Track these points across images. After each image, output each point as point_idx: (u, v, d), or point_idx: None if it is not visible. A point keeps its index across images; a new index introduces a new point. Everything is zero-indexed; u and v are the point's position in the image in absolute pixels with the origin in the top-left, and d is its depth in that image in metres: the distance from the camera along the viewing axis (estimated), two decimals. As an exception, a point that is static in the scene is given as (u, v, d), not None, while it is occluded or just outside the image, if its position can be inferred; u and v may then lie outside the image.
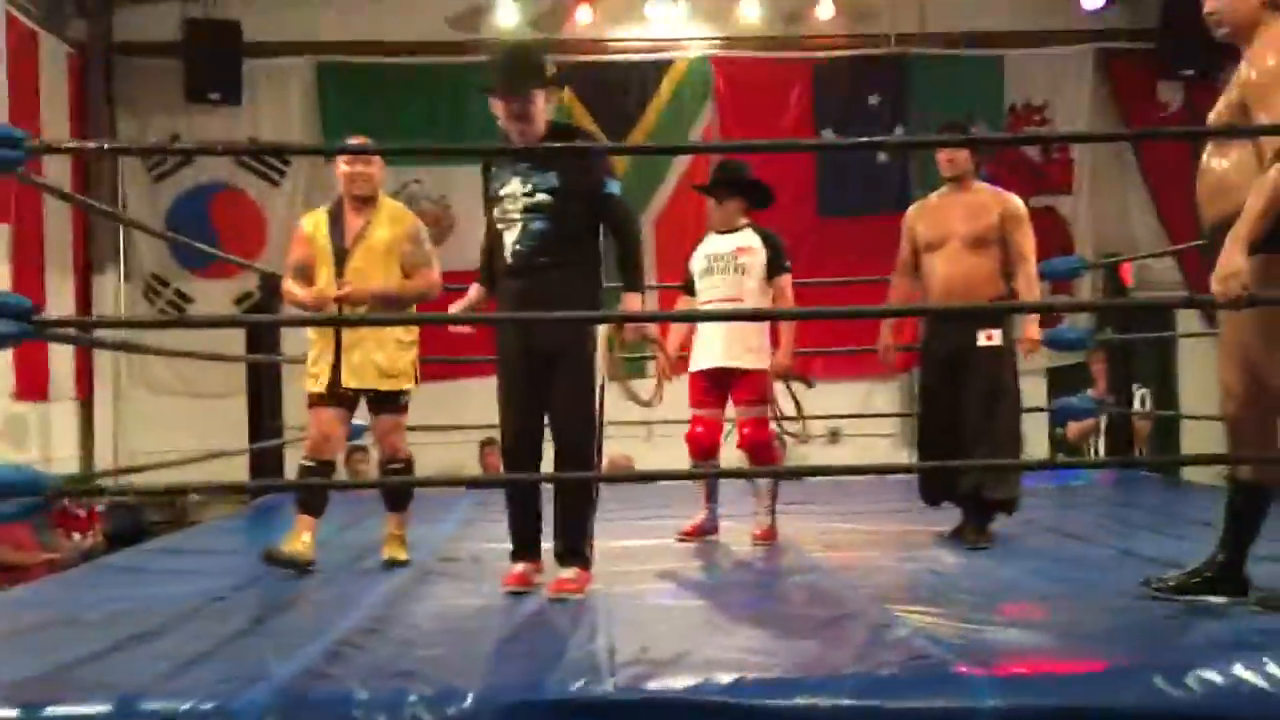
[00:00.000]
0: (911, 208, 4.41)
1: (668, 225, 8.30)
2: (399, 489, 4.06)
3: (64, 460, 7.58)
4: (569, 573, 3.40)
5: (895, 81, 8.57)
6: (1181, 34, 8.01)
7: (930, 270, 4.21)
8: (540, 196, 3.40)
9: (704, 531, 4.50)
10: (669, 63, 8.59)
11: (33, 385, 7.23)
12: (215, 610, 3.26)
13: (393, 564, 3.95)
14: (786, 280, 4.46)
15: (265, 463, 6.47)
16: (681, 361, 4.55)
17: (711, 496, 4.58)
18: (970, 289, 4.08)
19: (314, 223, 4.07)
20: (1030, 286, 4.13)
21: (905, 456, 8.53)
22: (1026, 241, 4.14)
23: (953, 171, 4.19)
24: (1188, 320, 8.26)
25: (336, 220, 4.01)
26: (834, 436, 8.41)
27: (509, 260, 3.41)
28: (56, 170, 7.71)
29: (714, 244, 4.50)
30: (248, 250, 8.24)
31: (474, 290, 3.60)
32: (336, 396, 3.97)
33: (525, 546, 3.51)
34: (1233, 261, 2.68)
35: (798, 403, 4.69)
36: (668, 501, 5.36)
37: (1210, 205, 2.85)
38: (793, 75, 8.58)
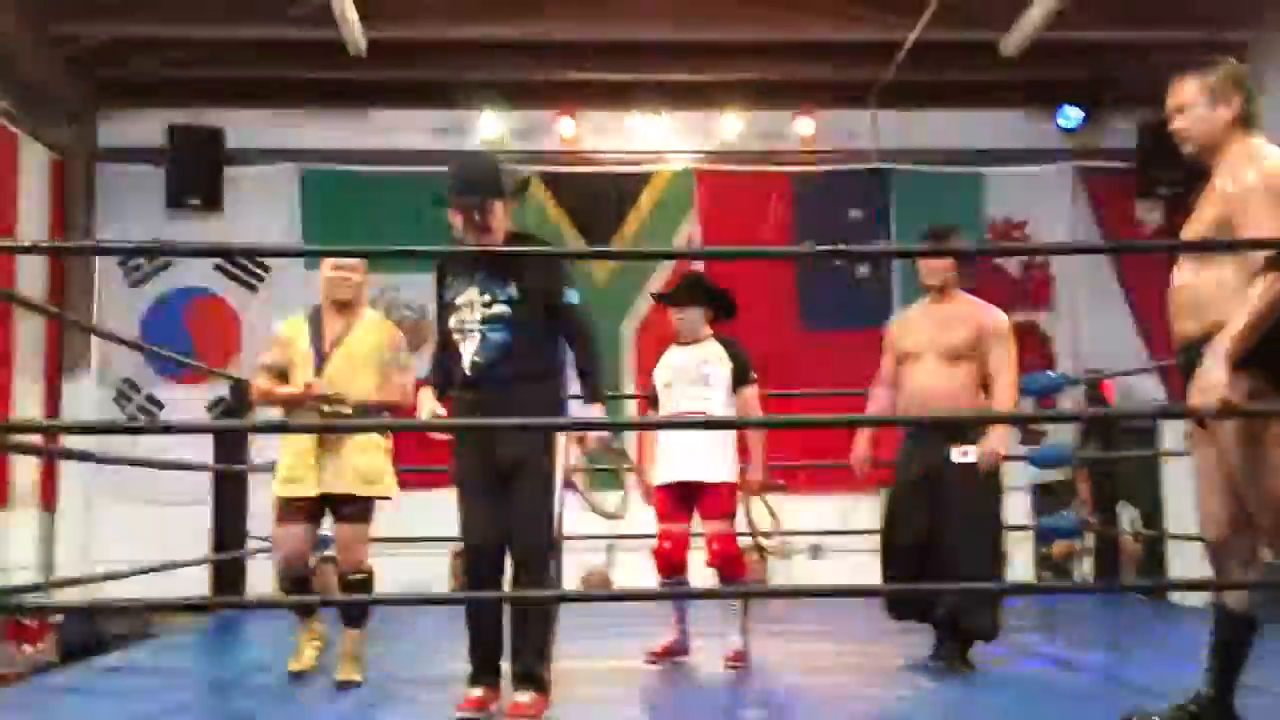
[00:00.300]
0: (894, 318, 4.37)
1: (649, 335, 8.30)
2: (355, 605, 3.95)
3: (23, 571, 7.38)
4: (525, 697, 3.28)
5: (875, 196, 8.67)
6: (1159, 154, 8.13)
7: (907, 382, 4.13)
8: (499, 307, 3.36)
9: (674, 653, 4.37)
10: (650, 174, 8.68)
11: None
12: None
13: (346, 685, 3.81)
14: (753, 392, 4.41)
15: (228, 573, 6.33)
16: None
17: (682, 616, 4.45)
18: (946, 402, 4.00)
19: (293, 327, 4.10)
20: (1004, 400, 4.03)
21: (889, 574, 8.37)
22: (1005, 355, 4.05)
23: (934, 280, 4.12)
24: (1174, 438, 8.32)
25: (316, 325, 4.04)
26: (815, 551, 8.30)
27: (467, 372, 3.36)
28: (32, 273, 7.70)
29: (677, 357, 4.46)
30: (221, 356, 8.21)
31: (429, 398, 3.44)
32: (305, 508, 3.96)
33: (484, 669, 3.37)
34: (1214, 374, 2.63)
35: (774, 516, 4.59)
36: (638, 619, 5.23)
37: (1185, 321, 2.84)
38: (773, 188, 8.69)
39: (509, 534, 3.33)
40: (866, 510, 8.34)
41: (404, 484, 4.26)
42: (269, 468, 6.16)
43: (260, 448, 7.13)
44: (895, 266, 8.61)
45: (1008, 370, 4.05)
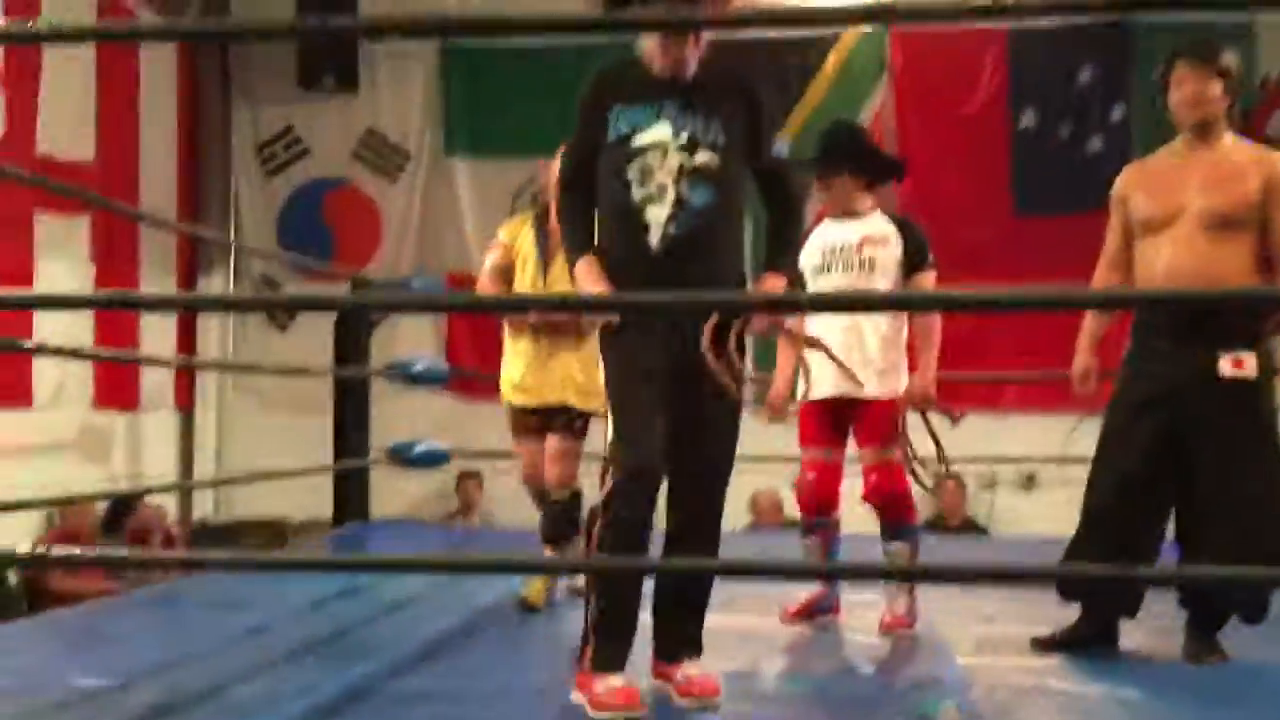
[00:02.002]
0: (1126, 170, 3.31)
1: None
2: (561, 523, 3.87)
3: (159, 476, 7.28)
4: (695, 670, 2.73)
5: (1113, 53, 7.37)
6: None
7: (1150, 260, 3.10)
8: (704, 155, 2.65)
9: (817, 611, 3.65)
10: (837, 34, 7.65)
11: (119, 392, 6.91)
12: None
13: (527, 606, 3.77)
14: (929, 279, 3.61)
15: (350, 484, 5.99)
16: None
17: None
18: (1211, 286, 2.95)
19: (514, 231, 4.03)
20: None
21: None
22: None
23: (1197, 115, 3.07)
24: None
25: (541, 228, 3.93)
26: (1029, 482, 7.34)
27: (653, 246, 2.64)
28: (162, 160, 7.46)
29: (832, 233, 3.68)
30: (362, 251, 7.85)
31: (594, 275, 2.67)
32: (537, 420, 3.95)
33: (623, 645, 2.69)
34: None
35: (938, 441, 3.73)
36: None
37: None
38: (984, 47, 7.50)
39: (680, 457, 2.67)
40: (1091, 431, 7.30)
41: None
42: (392, 373, 5.85)
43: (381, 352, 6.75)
44: (1137, 138, 7.33)
45: None
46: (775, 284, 2.75)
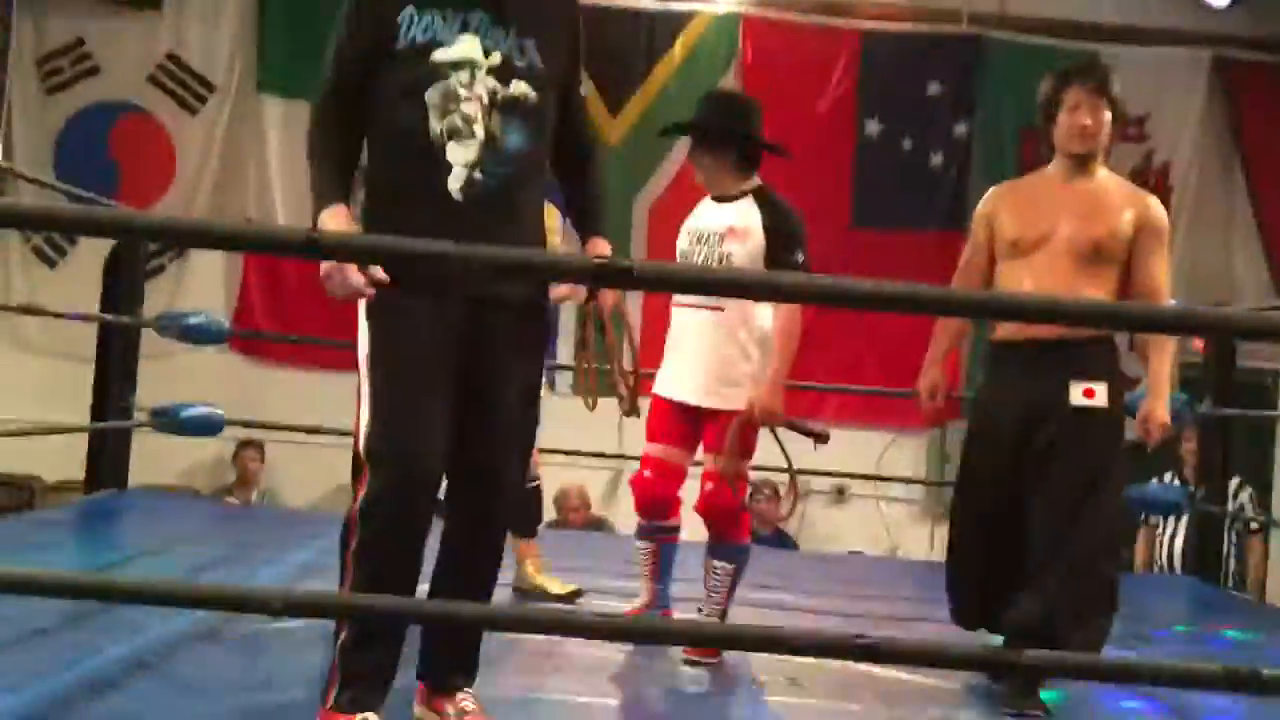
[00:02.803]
0: (993, 191, 3.21)
1: (667, 214, 7.10)
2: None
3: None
4: (469, 702, 2.33)
5: (963, 68, 7.34)
6: None
7: (1012, 283, 3.00)
8: (520, 85, 2.19)
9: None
10: (688, 18, 7.38)
11: None
12: None
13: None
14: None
15: (109, 446, 5.36)
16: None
17: (662, 570, 3.45)
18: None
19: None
20: (1162, 337, 2.97)
21: (927, 528, 7.33)
22: (1161, 266, 2.97)
23: (1087, 145, 2.97)
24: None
25: None
26: (840, 495, 7.27)
27: (455, 192, 2.17)
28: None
29: (705, 217, 3.35)
30: (151, 188, 7.14)
31: (338, 221, 2.15)
32: None
33: (382, 680, 2.25)
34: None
35: (787, 457, 3.49)
36: (607, 563, 4.21)
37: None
38: (837, 47, 7.37)
39: (473, 453, 2.23)
40: (906, 450, 7.30)
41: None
42: (173, 324, 5.26)
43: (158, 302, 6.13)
44: (977, 157, 7.33)
45: (1164, 287, 2.96)
46: (602, 248, 2.34)
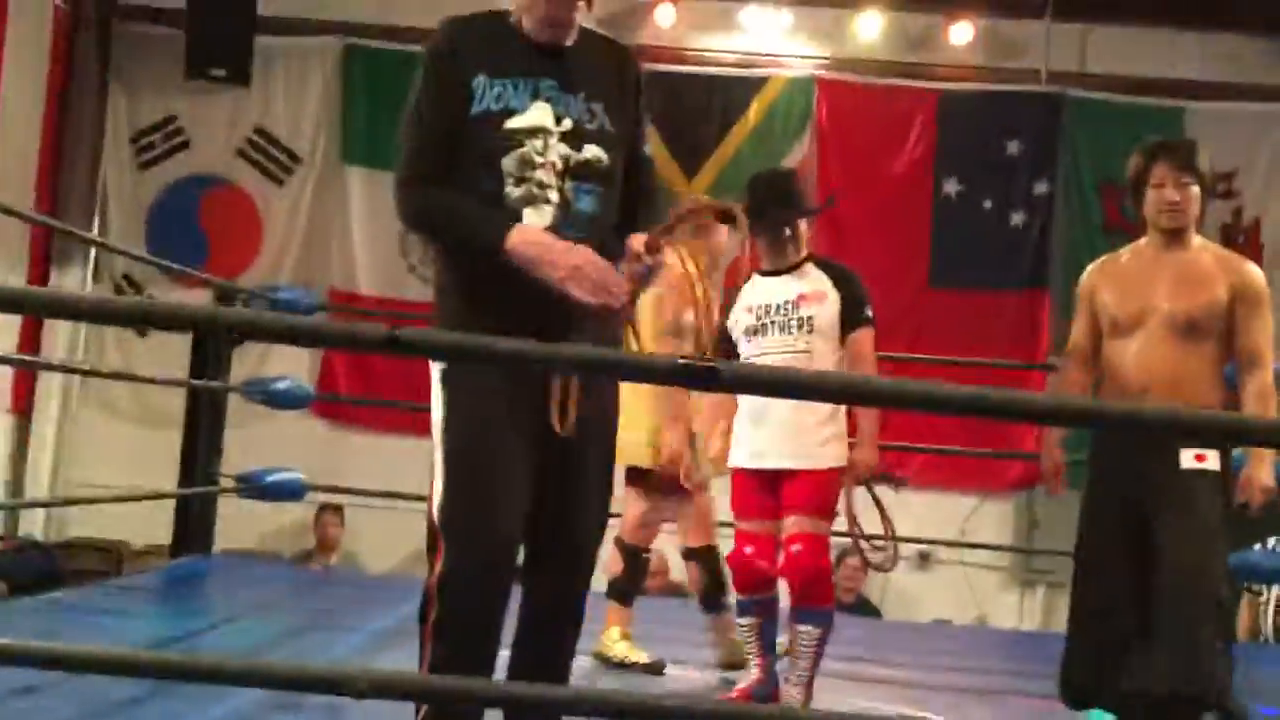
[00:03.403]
0: (1092, 268, 3.28)
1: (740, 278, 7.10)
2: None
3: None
4: None
5: (1042, 127, 7.25)
6: None
7: (1117, 359, 3.09)
8: (591, 149, 2.18)
9: (758, 700, 3.31)
10: (763, 81, 7.40)
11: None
12: None
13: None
14: (868, 336, 3.34)
15: (195, 511, 5.44)
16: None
17: (767, 645, 3.41)
18: (1177, 390, 2.94)
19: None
20: (1266, 399, 2.98)
21: (1016, 595, 7.13)
22: (1264, 331, 3.01)
23: (1177, 222, 3.05)
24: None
25: None
26: (924, 560, 7.10)
27: None
28: (22, 142, 6.84)
29: (764, 289, 3.40)
30: (239, 258, 7.31)
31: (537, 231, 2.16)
32: None
33: None
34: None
35: (885, 514, 3.46)
36: (692, 632, 4.14)
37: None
38: (914, 107, 7.32)
39: (554, 521, 2.20)
40: (992, 514, 7.13)
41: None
42: (258, 390, 5.35)
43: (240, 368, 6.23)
44: (1059, 215, 7.22)
45: (1268, 350, 3.00)
46: (638, 243, 2.17)
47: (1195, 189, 3.04)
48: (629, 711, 1.79)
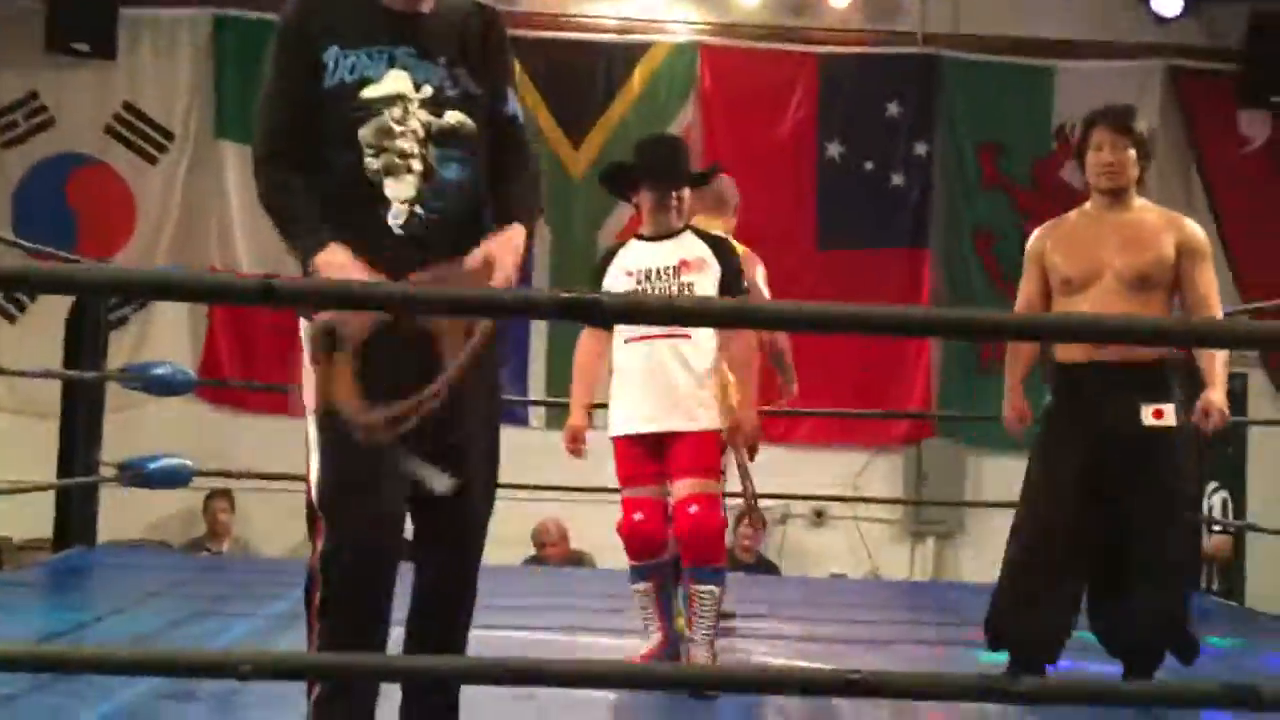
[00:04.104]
0: (1040, 230, 3.41)
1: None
2: None
3: None
4: None
5: (920, 88, 7.37)
6: (1272, 55, 7.03)
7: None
8: (453, 115, 2.14)
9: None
10: (646, 48, 7.39)
11: None
12: None
13: None
14: None
15: (77, 503, 5.27)
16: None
17: (667, 609, 3.41)
18: (1130, 346, 3.05)
19: None
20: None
21: (906, 547, 7.30)
22: (1210, 283, 3.18)
23: (1116, 182, 3.21)
24: (1263, 404, 7.18)
25: None
26: (819, 517, 7.23)
27: (397, 228, 2.12)
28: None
29: (643, 255, 3.39)
30: (112, 239, 7.05)
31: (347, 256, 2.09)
32: None
33: None
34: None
35: (750, 478, 3.56)
36: (595, 601, 4.16)
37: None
38: (796, 73, 7.38)
39: (439, 504, 2.16)
40: (883, 469, 7.28)
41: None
42: (138, 378, 5.18)
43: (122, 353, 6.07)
44: (938, 175, 7.37)
45: (1216, 300, 3.18)
46: (517, 235, 2.16)
47: (1132, 152, 3.16)
48: (526, 677, 1.78)
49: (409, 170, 2.12)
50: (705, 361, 3.31)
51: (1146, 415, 3.09)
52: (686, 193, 3.40)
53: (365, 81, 2.13)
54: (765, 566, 6.72)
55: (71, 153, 7.16)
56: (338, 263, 2.07)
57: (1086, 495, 3.11)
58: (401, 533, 2.20)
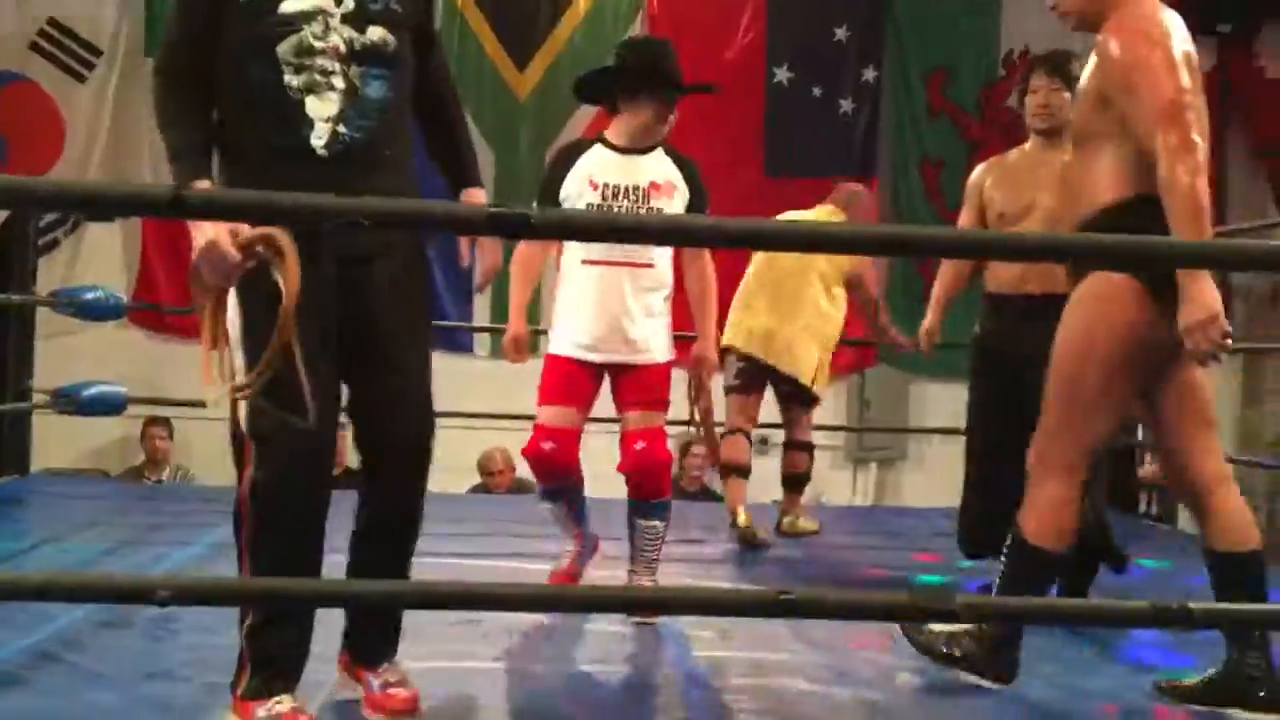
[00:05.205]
0: (982, 166, 3.65)
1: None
2: None
3: None
4: (393, 675, 2.26)
5: (869, 14, 7.32)
6: None
7: None
8: (377, 31, 2.09)
9: (579, 570, 3.40)
10: (590, -33, 7.25)
11: None
12: None
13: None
14: None
15: (7, 430, 5.17)
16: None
17: (581, 516, 3.39)
18: (1058, 275, 2.97)
19: None
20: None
21: (849, 473, 7.39)
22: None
23: (1048, 123, 3.42)
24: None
25: None
26: (763, 445, 7.27)
27: (320, 148, 2.07)
28: None
29: (611, 168, 3.19)
30: (39, 159, 6.84)
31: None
32: None
33: (294, 660, 2.20)
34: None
35: (708, 410, 3.56)
36: (509, 523, 4.16)
37: (1074, 204, 2.57)
38: (743, -2, 7.28)
39: (379, 419, 2.18)
40: (827, 396, 7.32)
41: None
42: (70, 304, 5.06)
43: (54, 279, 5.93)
44: (887, 102, 7.35)
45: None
46: (478, 199, 2.29)
47: (1066, 94, 3.30)
48: (466, 602, 1.78)
49: (331, 88, 2.08)
50: (663, 292, 3.23)
51: None
52: (661, 105, 3.15)
53: None
54: (709, 495, 6.76)
55: (-3, 70, 6.93)
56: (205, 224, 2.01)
57: (1017, 408, 3.13)
58: (334, 458, 2.18)
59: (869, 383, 7.29)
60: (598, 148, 3.22)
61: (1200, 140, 2.29)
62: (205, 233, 1.99)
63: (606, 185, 3.17)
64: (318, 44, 2.07)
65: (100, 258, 6.89)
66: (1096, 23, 2.48)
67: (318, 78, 2.07)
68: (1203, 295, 2.21)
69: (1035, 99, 3.42)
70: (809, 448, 4.76)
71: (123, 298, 5.34)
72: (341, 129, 2.08)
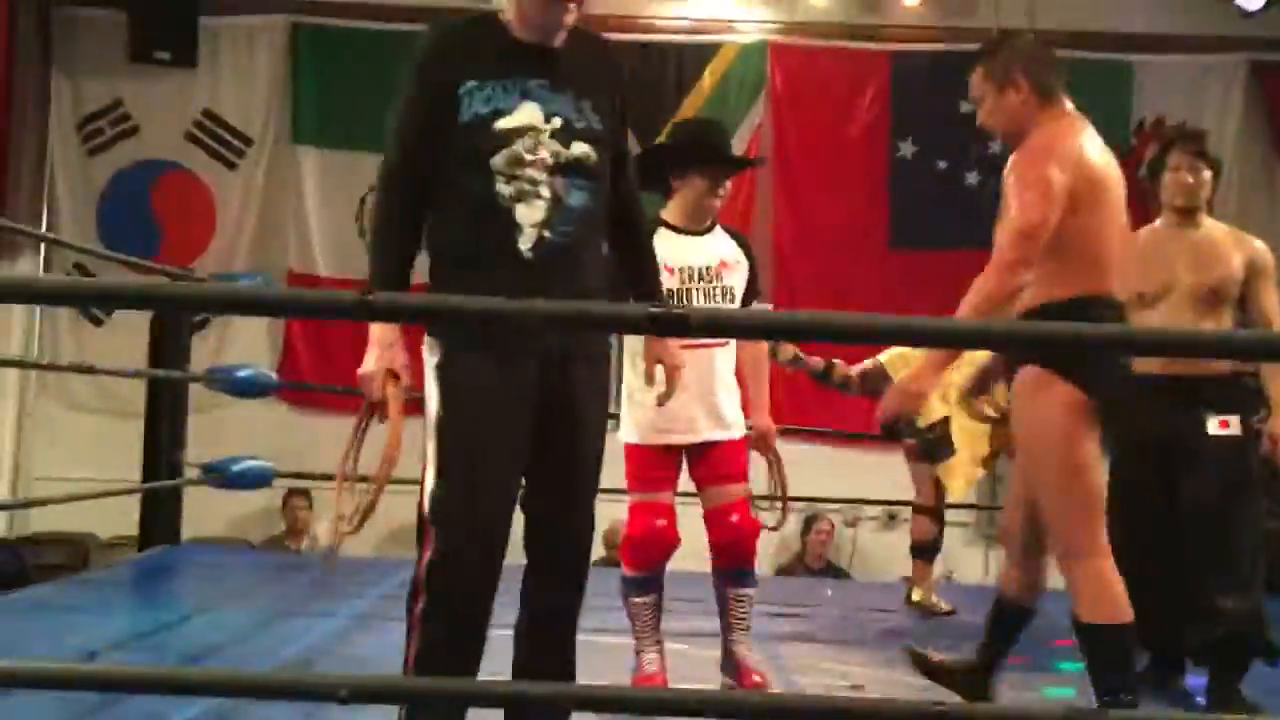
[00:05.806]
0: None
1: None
2: None
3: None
4: None
5: (994, 86, 7.28)
6: None
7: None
8: (580, 146, 2.24)
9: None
10: (716, 48, 7.41)
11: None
12: None
13: None
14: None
15: (161, 503, 5.42)
16: None
17: (657, 623, 3.29)
18: (1197, 360, 3.26)
19: None
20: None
21: (981, 551, 7.24)
22: (1274, 300, 3.40)
23: (1190, 202, 3.42)
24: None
25: None
26: (891, 520, 7.19)
27: (527, 251, 2.23)
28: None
29: (681, 249, 3.21)
30: (193, 244, 7.25)
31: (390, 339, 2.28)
32: None
33: None
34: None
35: (783, 477, 3.50)
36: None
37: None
38: (867, 71, 7.36)
39: (553, 507, 2.29)
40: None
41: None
42: (223, 380, 5.32)
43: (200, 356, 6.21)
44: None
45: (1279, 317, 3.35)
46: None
47: (1207, 173, 3.40)
48: (620, 704, 1.82)
49: (539, 196, 2.24)
50: (732, 367, 3.28)
51: (1213, 425, 3.29)
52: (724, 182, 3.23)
53: (499, 113, 2.23)
54: (834, 572, 6.71)
55: (155, 159, 7.36)
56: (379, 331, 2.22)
57: (1166, 496, 3.31)
58: (506, 545, 2.27)
59: (1001, 459, 7.15)
60: (662, 231, 3.20)
61: (1024, 272, 2.60)
62: (367, 364, 2.21)
63: (682, 269, 3.20)
64: (528, 157, 2.23)
65: (247, 336, 7.21)
66: (1015, 142, 2.84)
67: (527, 187, 2.23)
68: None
69: (1179, 176, 3.42)
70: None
71: (272, 375, 5.58)
72: (547, 234, 2.24)
